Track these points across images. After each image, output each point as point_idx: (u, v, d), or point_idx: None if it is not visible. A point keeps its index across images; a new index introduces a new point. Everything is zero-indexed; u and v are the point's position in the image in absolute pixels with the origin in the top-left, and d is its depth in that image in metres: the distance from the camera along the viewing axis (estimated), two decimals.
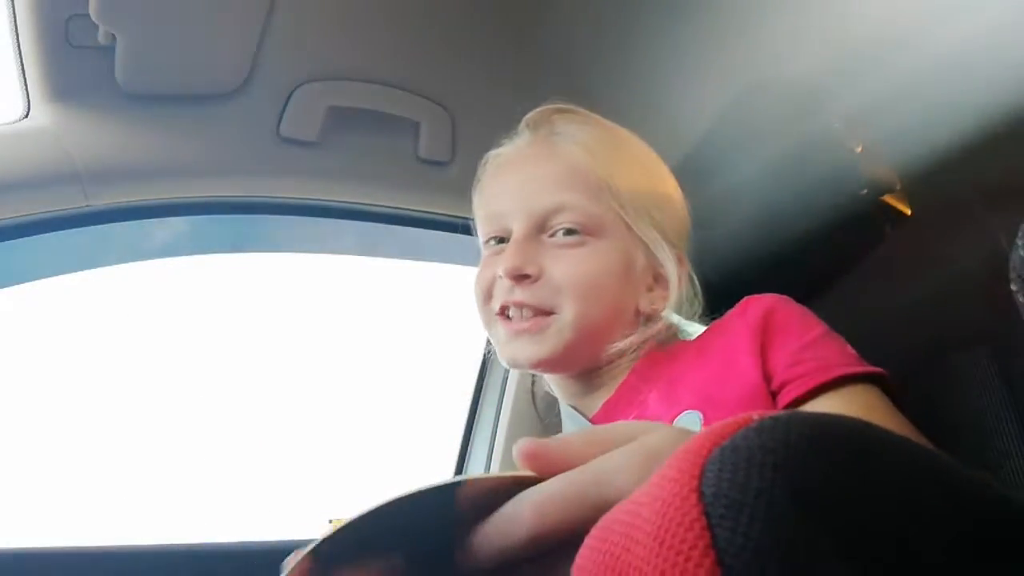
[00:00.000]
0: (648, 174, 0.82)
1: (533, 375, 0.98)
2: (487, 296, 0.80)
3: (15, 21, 0.90)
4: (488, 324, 0.81)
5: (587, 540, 0.27)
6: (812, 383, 0.66)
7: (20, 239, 0.97)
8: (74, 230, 1.00)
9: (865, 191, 1.02)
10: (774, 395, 0.68)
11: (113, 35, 0.92)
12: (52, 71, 0.94)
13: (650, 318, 0.79)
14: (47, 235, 0.98)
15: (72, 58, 0.93)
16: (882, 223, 1.01)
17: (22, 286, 1.04)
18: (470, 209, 1.32)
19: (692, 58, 0.76)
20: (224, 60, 1.00)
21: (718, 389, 0.70)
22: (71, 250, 1.06)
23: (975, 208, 0.89)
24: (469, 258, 1.39)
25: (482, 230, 0.84)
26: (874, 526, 0.23)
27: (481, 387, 1.35)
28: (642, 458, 0.34)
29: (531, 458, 0.35)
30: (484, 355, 1.34)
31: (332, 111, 1.09)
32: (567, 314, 0.75)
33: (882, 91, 0.91)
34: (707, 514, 0.23)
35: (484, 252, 0.84)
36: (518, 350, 0.76)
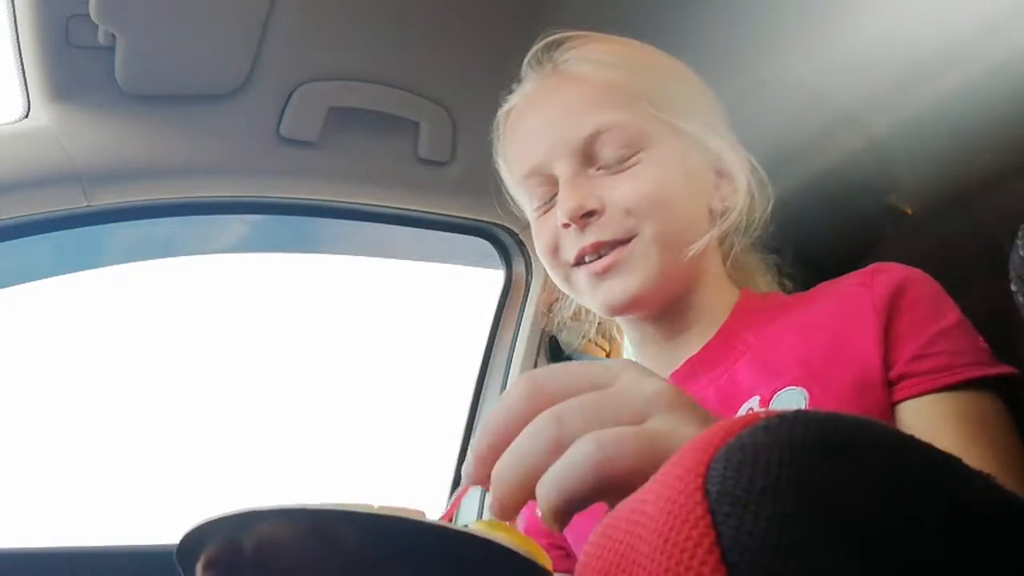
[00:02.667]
0: (670, 70, 0.76)
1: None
2: (554, 249, 0.73)
3: (15, 21, 0.89)
4: (565, 279, 0.74)
5: (591, 537, 0.27)
6: (934, 384, 0.61)
7: (20, 239, 0.97)
8: (74, 230, 1.00)
9: (865, 191, 1.02)
10: (890, 384, 0.63)
11: (113, 35, 0.92)
12: (52, 71, 0.93)
13: (724, 215, 0.73)
14: (47, 235, 0.98)
15: (72, 58, 0.93)
16: (882, 223, 1.02)
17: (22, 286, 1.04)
18: (470, 209, 1.31)
19: (695, 57, 0.76)
20: (224, 60, 1.00)
21: (828, 368, 0.64)
22: (71, 250, 1.06)
23: (975, 208, 0.89)
24: (469, 258, 1.39)
25: (528, 194, 0.76)
26: (880, 525, 0.23)
27: (481, 388, 1.35)
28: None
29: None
30: (486, 350, 1.34)
31: (332, 111, 1.09)
32: (647, 233, 0.69)
33: (882, 91, 0.91)
34: (712, 512, 0.23)
35: (533, 217, 0.77)
36: (610, 290, 0.70)
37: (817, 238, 0.99)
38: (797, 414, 0.25)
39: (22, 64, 0.93)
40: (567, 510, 0.31)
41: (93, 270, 1.11)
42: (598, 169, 0.71)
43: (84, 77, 0.95)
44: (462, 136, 1.16)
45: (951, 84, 0.86)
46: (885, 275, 0.67)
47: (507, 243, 1.33)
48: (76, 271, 1.10)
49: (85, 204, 0.98)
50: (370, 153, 1.16)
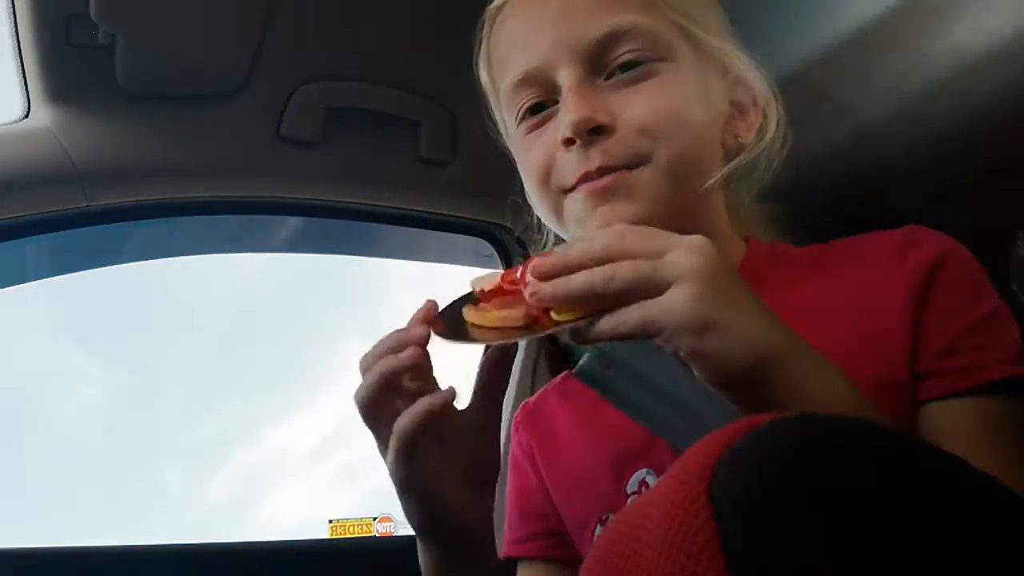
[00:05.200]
0: None
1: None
2: (546, 174, 0.61)
3: (15, 21, 0.89)
4: (554, 208, 0.63)
5: (596, 541, 0.27)
6: (960, 385, 0.54)
7: (20, 239, 0.97)
8: (74, 230, 1.00)
9: (864, 191, 1.02)
10: (915, 377, 0.55)
11: (113, 35, 0.91)
12: (52, 71, 0.93)
13: (746, 151, 0.63)
14: (47, 235, 0.98)
15: (72, 58, 0.93)
16: (881, 224, 1.01)
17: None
18: (470, 209, 1.31)
19: None
20: (224, 60, 1.00)
21: (848, 352, 0.52)
22: (71, 250, 1.06)
23: (975, 208, 0.89)
24: (469, 258, 1.39)
25: (511, 101, 0.64)
26: (884, 527, 0.23)
27: None
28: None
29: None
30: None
31: (332, 111, 1.09)
32: (660, 158, 0.58)
33: (882, 90, 0.91)
34: (717, 517, 0.23)
35: (520, 133, 0.64)
36: (608, 215, 0.58)
37: (816, 238, 0.99)
38: (800, 418, 0.25)
39: (22, 64, 0.93)
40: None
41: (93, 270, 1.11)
42: (608, 79, 0.60)
43: (84, 77, 0.95)
44: (462, 136, 1.16)
45: (952, 83, 0.86)
46: (920, 248, 0.59)
47: (507, 243, 1.33)
48: (76, 271, 1.10)
49: (85, 204, 0.98)
50: (370, 153, 1.16)
